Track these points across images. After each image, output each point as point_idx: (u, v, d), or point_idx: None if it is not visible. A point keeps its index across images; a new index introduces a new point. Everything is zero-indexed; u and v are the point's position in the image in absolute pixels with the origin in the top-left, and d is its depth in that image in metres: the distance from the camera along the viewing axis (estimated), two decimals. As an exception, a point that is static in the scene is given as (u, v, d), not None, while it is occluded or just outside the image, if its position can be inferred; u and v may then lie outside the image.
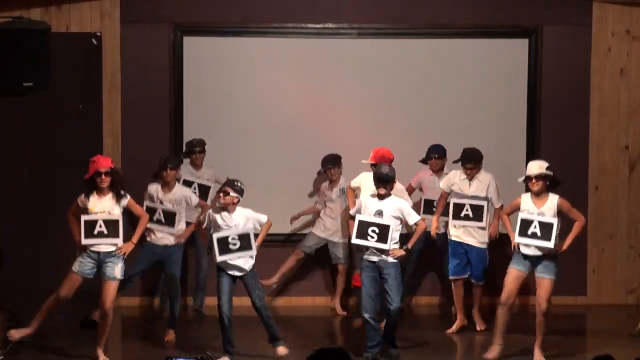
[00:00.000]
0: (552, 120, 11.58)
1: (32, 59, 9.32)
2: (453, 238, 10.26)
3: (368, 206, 9.15)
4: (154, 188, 9.93)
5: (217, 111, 11.47)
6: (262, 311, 9.16)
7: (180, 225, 9.87)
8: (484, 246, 10.22)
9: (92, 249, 8.89)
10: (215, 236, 8.99)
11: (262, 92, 11.47)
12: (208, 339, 9.81)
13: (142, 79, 11.29)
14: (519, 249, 9.03)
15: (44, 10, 11.08)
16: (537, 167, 9.03)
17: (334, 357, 4.96)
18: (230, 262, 9.02)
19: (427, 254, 10.81)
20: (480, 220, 10.08)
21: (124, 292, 10.08)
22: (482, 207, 10.07)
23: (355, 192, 10.23)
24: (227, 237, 8.97)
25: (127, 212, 9.14)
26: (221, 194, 9.07)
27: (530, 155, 11.49)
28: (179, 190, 9.98)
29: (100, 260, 8.90)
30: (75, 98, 11.09)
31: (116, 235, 8.89)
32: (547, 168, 9.02)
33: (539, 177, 8.97)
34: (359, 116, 11.52)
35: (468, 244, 10.22)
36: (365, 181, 9.91)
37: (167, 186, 9.90)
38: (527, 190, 9.07)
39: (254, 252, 9.05)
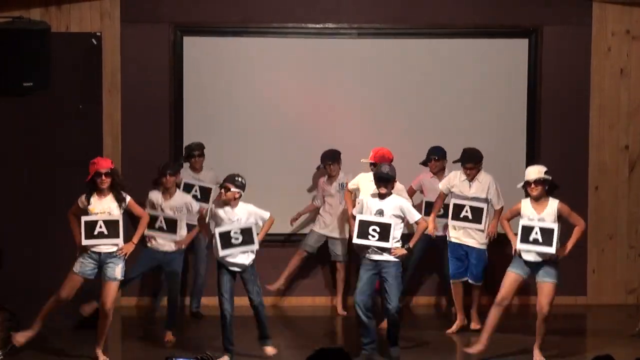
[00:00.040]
0: (552, 120, 11.57)
1: (32, 59, 9.33)
2: (453, 240, 10.26)
3: (369, 206, 9.15)
4: (155, 195, 9.94)
5: (217, 111, 11.47)
6: (259, 308, 9.16)
7: (182, 231, 9.87)
8: (483, 247, 10.22)
9: (93, 249, 8.89)
10: (217, 230, 8.99)
11: (262, 92, 11.47)
12: (208, 339, 9.81)
13: (142, 79, 11.28)
14: (520, 254, 9.03)
15: (44, 10, 11.08)
16: (535, 172, 9.04)
17: (334, 357, 4.96)
18: (231, 259, 9.01)
19: (427, 254, 10.81)
20: (479, 222, 10.07)
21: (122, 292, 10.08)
22: (482, 209, 10.06)
23: (354, 193, 10.22)
24: (229, 232, 8.98)
25: (127, 212, 9.14)
26: (222, 190, 9.09)
27: (531, 156, 11.52)
28: (179, 196, 9.99)
29: (101, 260, 8.90)
30: (75, 98, 11.09)
31: (116, 236, 8.89)
32: (546, 172, 9.03)
33: (537, 181, 8.97)
34: (359, 116, 11.51)
35: (468, 245, 10.21)
36: (363, 182, 9.90)
37: (167, 192, 9.91)
38: (527, 195, 9.07)
39: (256, 246, 9.05)
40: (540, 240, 8.88)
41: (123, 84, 11.27)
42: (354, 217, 9.27)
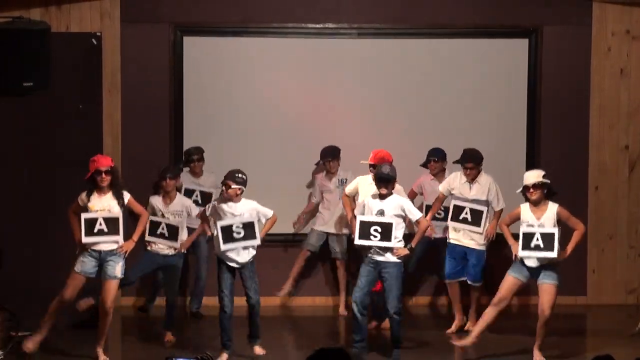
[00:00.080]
0: (552, 120, 11.57)
1: (32, 59, 9.32)
2: (452, 241, 10.24)
3: (370, 206, 9.15)
4: (156, 200, 9.94)
5: (217, 111, 11.47)
6: (256, 306, 9.16)
7: (182, 235, 9.87)
8: (482, 248, 10.20)
9: (93, 248, 8.89)
10: (219, 224, 9.00)
11: (262, 92, 11.47)
12: (208, 339, 9.81)
13: (142, 79, 11.28)
14: (520, 260, 9.04)
15: (44, 10, 11.08)
16: (534, 176, 9.05)
17: (334, 357, 4.96)
18: (232, 255, 9.00)
19: (427, 254, 10.81)
20: (478, 225, 10.04)
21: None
22: (482, 212, 10.04)
23: (354, 197, 10.17)
24: (231, 226, 8.98)
25: (127, 210, 9.13)
26: (223, 187, 9.09)
27: (531, 156, 11.52)
28: (180, 200, 10.00)
29: (102, 259, 8.90)
30: (75, 98, 11.09)
31: (116, 233, 8.88)
32: (544, 176, 9.03)
33: (536, 186, 8.98)
34: (359, 116, 11.51)
35: (467, 247, 10.19)
36: (362, 185, 9.88)
37: (167, 196, 9.92)
38: (527, 200, 9.08)
39: (257, 241, 9.05)
40: (542, 245, 8.89)
41: (123, 84, 11.27)
42: (355, 219, 9.27)
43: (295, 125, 11.49)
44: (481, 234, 10.11)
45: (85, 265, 8.90)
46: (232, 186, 9.01)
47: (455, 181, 10.20)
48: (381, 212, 9.08)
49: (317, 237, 11.20)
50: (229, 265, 9.08)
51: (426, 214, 10.42)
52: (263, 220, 9.19)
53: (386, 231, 8.99)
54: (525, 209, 9.08)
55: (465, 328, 10.32)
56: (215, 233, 9.07)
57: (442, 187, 10.28)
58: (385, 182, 9.08)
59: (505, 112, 11.62)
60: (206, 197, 10.77)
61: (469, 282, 10.32)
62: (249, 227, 9.01)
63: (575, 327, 10.86)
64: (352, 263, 10.93)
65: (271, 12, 11.41)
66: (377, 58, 11.53)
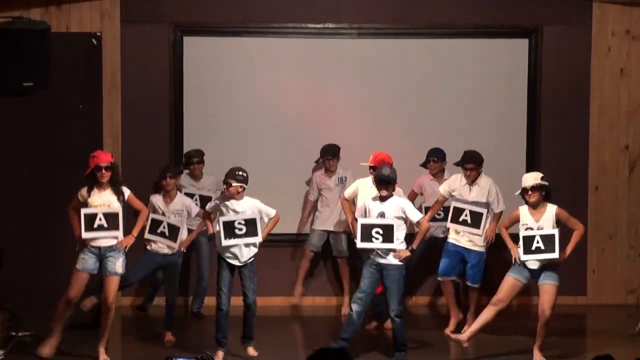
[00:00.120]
0: (552, 120, 11.57)
1: (32, 59, 9.32)
2: (451, 240, 10.22)
3: (370, 209, 9.15)
4: (156, 199, 9.95)
5: (217, 111, 11.47)
6: (252, 307, 9.15)
7: (182, 235, 9.88)
8: (482, 250, 10.18)
9: (93, 244, 8.88)
10: (221, 219, 9.00)
11: (262, 92, 11.47)
12: (208, 339, 9.79)
13: (142, 79, 11.28)
14: (520, 262, 9.04)
15: (44, 10, 11.08)
16: (532, 178, 9.06)
17: (334, 357, 4.96)
18: (234, 250, 8.99)
19: (428, 254, 10.81)
20: (478, 227, 10.02)
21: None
22: (482, 214, 10.01)
23: (353, 201, 10.17)
24: (233, 222, 8.99)
25: (128, 207, 9.13)
26: (224, 186, 9.10)
27: (531, 156, 11.52)
28: (180, 199, 10.00)
29: (102, 255, 8.89)
30: (75, 98, 11.09)
31: (116, 228, 8.88)
32: (542, 178, 9.04)
33: (534, 188, 8.99)
34: (359, 116, 11.51)
35: (466, 248, 10.17)
36: (362, 188, 9.87)
37: (168, 195, 9.93)
38: (526, 202, 9.08)
39: (259, 238, 9.05)
40: (543, 247, 8.91)
41: (123, 84, 11.27)
42: (355, 222, 9.27)
43: (295, 125, 11.49)
44: (481, 235, 10.09)
45: (86, 262, 8.89)
46: (233, 184, 9.02)
47: (455, 183, 10.18)
48: (382, 215, 9.09)
49: (318, 236, 11.20)
50: (230, 263, 9.08)
51: (426, 215, 10.41)
52: (266, 220, 9.19)
53: (388, 233, 8.99)
54: (524, 211, 9.09)
55: (463, 331, 10.31)
56: (217, 229, 9.07)
57: (443, 190, 10.25)
58: (385, 184, 9.07)
59: (505, 112, 11.62)
60: (205, 201, 10.74)
61: (467, 283, 10.32)
62: (251, 224, 9.02)
63: (575, 327, 10.87)
64: (354, 260, 10.89)
65: (271, 12, 11.41)
66: (377, 58, 11.53)
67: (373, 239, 9.01)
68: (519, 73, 11.59)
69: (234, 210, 9.05)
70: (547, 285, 8.98)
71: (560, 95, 11.56)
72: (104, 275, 8.93)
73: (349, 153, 11.06)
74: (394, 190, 9.21)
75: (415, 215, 9.17)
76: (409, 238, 9.29)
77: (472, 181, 10.10)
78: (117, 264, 8.90)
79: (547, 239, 8.90)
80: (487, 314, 9.15)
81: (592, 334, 10.81)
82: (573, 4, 11.54)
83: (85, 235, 8.84)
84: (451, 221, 10.12)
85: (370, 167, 9.92)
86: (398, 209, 9.10)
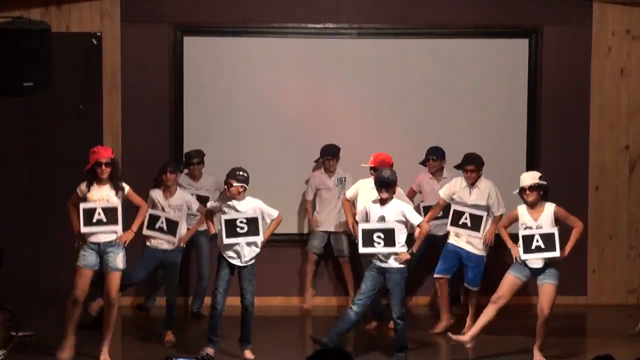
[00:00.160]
0: (552, 120, 11.57)
1: (32, 59, 9.32)
2: (451, 241, 10.21)
3: (371, 213, 9.14)
4: (156, 194, 9.94)
5: (217, 111, 11.47)
6: (249, 308, 9.14)
7: (182, 230, 9.87)
8: (481, 253, 10.15)
9: (92, 240, 8.86)
10: (223, 217, 9.00)
11: (262, 92, 11.47)
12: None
13: (142, 79, 11.29)
14: (521, 261, 9.04)
15: (44, 10, 11.08)
16: (530, 178, 9.06)
17: (334, 357, 4.96)
18: (237, 248, 8.98)
19: (428, 254, 10.81)
20: (478, 230, 9.99)
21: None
22: (481, 217, 9.99)
23: (353, 202, 10.18)
24: (235, 220, 8.98)
25: (127, 203, 9.13)
26: (225, 187, 9.10)
27: (531, 156, 11.52)
28: (180, 194, 10.00)
29: (101, 250, 8.88)
30: (75, 98, 11.09)
31: (115, 223, 8.85)
32: (540, 178, 9.04)
33: (532, 187, 8.99)
34: (359, 116, 11.51)
35: (465, 250, 10.15)
36: (363, 189, 9.88)
37: (168, 190, 9.92)
38: (524, 201, 9.08)
39: (260, 237, 9.04)
40: (543, 246, 8.91)
41: (123, 84, 11.27)
42: (357, 224, 9.27)
43: (295, 125, 11.49)
44: (480, 238, 10.07)
45: (87, 258, 8.88)
46: (234, 184, 9.03)
47: (455, 186, 10.15)
48: (382, 219, 9.08)
49: (319, 238, 11.21)
50: (230, 263, 9.08)
51: (424, 215, 10.39)
52: (268, 221, 9.17)
53: (389, 237, 8.99)
54: (522, 211, 9.09)
55: (464, 331, 10.30)
56: (219, 228, 9.07)
57: (443, 194, 10.20)
58: (386, 186, 9.06)
59: (505, 112, 11.62)
60: (203, 201, 10.76)
61: (466, 285, 10.30)
62: (252, 223, 9.01)
63: (575, 327, 10.87)
64: (356, 260, 10.88)
65: (271, 12, 11.41)
66: (377, 58, 11.53)
67: (375, 244, 9.00)
68: (519, 73, 11.59)
69: (236, 211, 9.06)
70: (547, 284, 8.99)
71: (561, 95, 11.56)
72: (105, 271, 8.92)
73: (349, 153, 11.06)
74: (394, 192, 9.19)
75: (415, 219, 9.16)
76: (408, 239, 9.28)
77: (472, 183, 10.07)
78: (118, 259, 8.89)
79: (547, 238, 8.90)
80: (488, 313, 9.15)
81: (592, 334, 10.81)
82: (573, 4, 11.54)
83: (84, 229, 8.82)
84: (451, 224, 10.10)
85: (371, 168, 9.92)
86: (398, 212, 9.09)
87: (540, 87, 11.55)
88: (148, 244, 9.87)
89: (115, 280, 8.91)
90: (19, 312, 9.44)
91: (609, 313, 11.34)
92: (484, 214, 9.98)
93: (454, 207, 10.08)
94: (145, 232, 9.69)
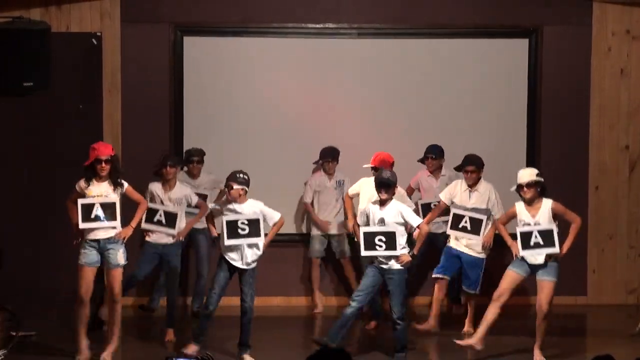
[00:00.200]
0: (552, 120, 11.57)
1: (32, 59, 9.32)
2: (451, 245, 10.19)
3: (371, 215, 9.14)
4: (155, 187, 9.93)
5: (217, 111, 11.47)
6: (248, 312, 9.11)
7: (181, 223, 9.87)
8: (481, 256, 10.14)
9: (91, 237, 8.84)
10: (224, 219, 8.99)
11: (262, 92, 11.47)
12: (208, 339, 9.79)
13: (142, 79, 11.29)
14: (520, 257, 9.04)
15: (44, 10, 11.08)
16: (527, 174, 9.05)
17: (334, 357, 4.96)
18: (235, 251, 8.98)
19: (428, 254, 10.81)
20: (478, 233, 9.97)
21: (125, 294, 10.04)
22: (481, 221, 9.97)
23: (352, 199, 10.19)
24: (236, 221, 8.98)
25: (127, 199, 9.12)
26: (226, 189, 9.10)
27: (531, 155, 11.52)
28: (179, 188, 9.98)
29: (102, 248, 8.86)
30: (75, 98, 11.09)
31: (113, 218, 8.84)
32: (538, 175, 9.04)
33: (530, 184, 8.98)
34: (359, 116, 11.51)
35: (464, 253, 10.14)
36: (365, 187, 9.89)
37: (167, 184, 9.91)
38: (522, 198, 9.08)
39: (262, 239, 9.03)
40: (542, 242, 8.91)
41: (123, 84, 11.27)
42: (357, 226, 9.27)
43: (295, 125, 11.49)
44: (480, 242, 10.06)
45: (88, 256, 8.86)
46: (235, 187, 9.01)
47: (455, 189, 10.14)
48: (382, 221, 9.08)
49: (319, 242, 11.23)
50: (230, 265, 9.06)
51: (423, 213, 10.40)
52: (270, 223, 9.15)
53: (390, 240, 8.99)
54: (520, 208, 9.09)
55: (465, 331, 10.30)
56: (222, 229, 9.06)
57: (444, 197, 10.17)
58: (385, 187, 9.05)
59: (505, 112, 11.62)
60: (202, 199, 10.78)
61: (464, 288, 10.29)
62: (253, 224, 9.00)
63: (575, 327, 10.87)
64: (357, 260, 10.89)
65: (271, 12, 11.41)
66: (377, 58, 11.53)
67: (376, 247, 9.01)
68: (519, 73, 11.59)
69: (237, 213, 9.03)
70: (545, 281, 8.99)
71: (560, 95, 11.56)
72: (106, 268, 8.92)
73: (349, 153, 11.06)
74: (393, 193, 9.18)
75: (414, 220, 9.15)
76: (408, 240, 9.27)
77: (472, 184, 10.04)
78: (119, 256, 8.88)
79: (546, 234, 8.90)
80: (491, 312, 9.13)
81: (592, 334, 10.81)
82: (573, 4, 11.54)
83: (82, 225, 8.80)
84: (451, 228, 10.08)
85: (372, 168, 9.93)
86: (397, 213, 9.08)
87: (540, 87, 11.56)
88: (148, 239, 9.87)
89: (117, 276, 8.90)
90: (19, 312, 9.44)
91: (609, 313, 11.34)
92: (483, 217, 9.96)
93: (453, 210, 10.07)
94: (144, 225, 9.66)
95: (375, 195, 9.24)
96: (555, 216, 9.02)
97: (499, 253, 10.30)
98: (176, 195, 9.89)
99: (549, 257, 8.97)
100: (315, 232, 11.24)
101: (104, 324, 9.53)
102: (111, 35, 11.20)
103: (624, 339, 10.03)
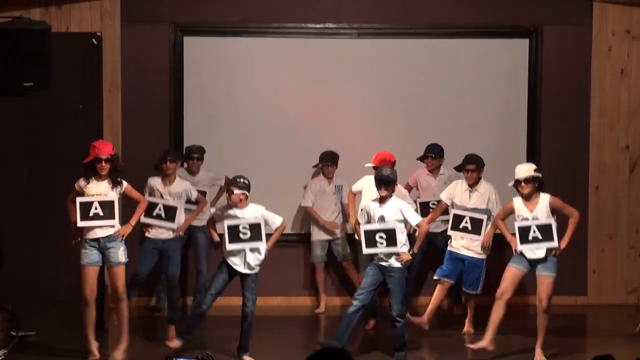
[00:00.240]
0: (552, 120, 11.57)
1: (32, 59, 9.31)
2: (452, 249, 10.18)
3: (371, 212, 9.14)
4: (155, 181, 9.95)
5: (217, 111, 11.47)
6: (249, 317, 9.08)
7: (180, 218, 9.87)
8: (481, 257, 10.12)
9: (91, 237, 8.84)
10: (226, 223, 8.98)
11: (262, 92, 11.47)
12: (208, 339, 9.81)
13: (142, 79, 11.29)
14: (520, 252, 9.04)
15: (44, 10, 11.08)
16: (525, 170, 9.05)
17: (334, 357, 4.95)
18: (238, 255, 8.97)
19: (428, 254, 10.82)
20: (479, 233, 9.97)
21: (132, 296, 10.02)
22: (482, 220, 9.97)
23: (356, 196, 10.21)
24: (237, 226, 8.97)
25: (127, 199, 9.12)
26: (227, 194, 9.09)
27: (531, 156, 11.51)
28: (179, 183, 9.99)
29: (102, 247, 8.87)
30: (75, 98, 11.07)
31: (112, 217, 8.84)
32: (536, 170, 9.04)
33: (527, 179, 8.98)
34: (359, 116, 11.51)
35: (465, 255, 10.13)
36: (367, 184, 9.91)
37: (167, 179, 9.91)
38: (519, 193, 9.08)
39: (263, 243, 9.02)
40: (540, 237, 8.91)
41: (123, 84, 11.27)
42: (359, 223, 9.28)
43: (295, 125, 11.49)
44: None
45: (89, 256, 8.86)
46: (235, 191, 8.99)
47: (455, 189, 10.14)
48: (382, 218, 9.08)
49: (320, 247, 11.25)
50: (230, 269, 9.04)
51: (421, 212, 10.39)
52: (273, 227, 9.13)
53: (391, 237, 9.00)
54: (518, 203, 9.09)
55: (464, 331, 10.29)
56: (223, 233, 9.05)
57: (445, 197, 10.17)
58: (385, 184, 9.07)
59: (505, 112, 11.62)
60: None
61: (464, 289, 10.28)
62: (255, 229, 8.98)
63: (575, 327, 10.86)
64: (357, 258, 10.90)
65: (271, 12, 11.41)
66: (377, 58, 11.53)
67: (378, 244, 9.02)
68: (519, 73, 11.60)
69: (239, 219, 9.01)
70: (544, 276, 8.99)
71: (561, 95, 11.56)
72: (108, 267, 8.92)
73: (349, 153, 11.06)
74: (393, 191, 9.19)
75: (413, 218, 9.15)
76: (408, 239, 9.27)
77: (473, 183, 10.04)
78: (120, 254, 8.88)
79: (544, 229, 8.91)
80: (497, 311, 9.13)
81: (592, 334, 10.81)
82: (573, 4, 11.54)
83: (80, 223, 8.79)
84: (452, 228, 10.08)
85: (374, 168, 9.94)
86: (397, 211, 9.09)
87: (540, 87, 11.55)
88: (147, 235, 9.87)
89: (120, 274, 8.91)
90: (19, 312, 9.43)
91: (609, 313, 11.34)
92: (484, 217, 9.96)
93: (453, 211, 10.07)
94: (144, 220, 9.65)
95: (377, 194, 9.26)
96: (554, 211, 9.03)
97: (499, 253, 10.30)
98: (176, 189, 9.89)
99: (549, 251, 8.97)
100: (315, 237, 11.24)
101: (104, 324, 9.53)
102: (111, 35, 11.20)
103: (624, 339, 10.03)
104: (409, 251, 9.09)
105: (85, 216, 8.80)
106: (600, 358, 5.36)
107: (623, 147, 11.64)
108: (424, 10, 11.48)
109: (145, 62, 11.31)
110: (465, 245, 10.07)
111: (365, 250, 9.09)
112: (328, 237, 11.21)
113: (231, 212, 9.04)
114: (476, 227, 9.97)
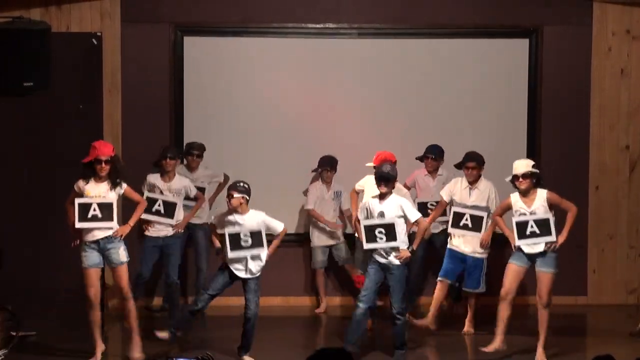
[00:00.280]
0: (552, 120, 11.58)
1: (32, 59, 9.30)
2: (452, 247, 10.18)
3: (371, 209, 9.15)
4: (154, 177, 9.96)
5: (217, 111, 11.47)
6: (252, 320, 9.07)
7: (179, 215, 9.87)
8: (481, 256, 10.13)
9: (90, 239, 8.83)
10: (227, 231, 8.97)
11: (262, 92, 11.47)
12: (208, 339, 9.81)
13: (142, 79, 11.29)
14: (519, 249, 9.04)
15: (44, 10, 11.08)
16: (523, 165, 9.07)
17: (334, 357, 4.95)
18: (240, 262, 8.97)
19: (428, 254, 10.82)
20: (479, 231, 9.97)
21: (138, 295, 10.01)
22: (482, 218, 9.97)
23: (358, 194, 10.23)
24: (238, 234, 8.96)
25: (126, 200, 9.12)
26: (227, 199, 9.07)
27: (531, 156, 11.49)
28: (178, 180, 10.01)
29: (102, 248, 8.86)
30: (75, 98, 11.08)
31: (110, 219, 8.83)
32: (534, 166, 9.05)
33: (525, 175, 9.00)
34: (359, 116, 11.52)
35: (465, 254, 10.14)
36: (369, 183, 9.91)
37: (167, 175, 9.92)
38: (517, 189, 9.09)
39: (265, 250, 9.02)
40: (538, 232, 8.92)
41: (123, 84, 11.27)
42: (359, 221, 9.29)
43: (295, 125, 11.49)
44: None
45: (90, 258, 8.86)
46: (235, 195, 8.96)
47: (455, 187, 10.14)
48: (381, 214, 9.09)
49: (321, 252, 11.26)
50: (231, 273, 9.03)
51: (419, 211, 10.38)
52: (274, 234, 9.13)
53: (390, 231, 9.00)
54: (515, 198, 9.10)
55: (464, 331, 10.29)
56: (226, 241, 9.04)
57: (445, 194, 10.18)
58: (385, 180, 9.08)
59: (505, 112, 11.63)
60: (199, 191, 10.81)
61: (465, 289, 10.28)
62: (256, 236, 8.96)
63: (575, 327, 10.86)
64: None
65: (271, 12, 11.41)
66: (377, 58, 11.53)
67: (377, 239, 9.02)
68: (519, 73, 11.60)
69: (239, 225, 8.99)
70: (544, 272, 9.00)
71: (561, 95, 11.57)
72: (110, 267, 8.92)
73: (349, 153, 11.06)
74: (393, 187, 9.20)
75: (413, 215, 9.16)
76: (408, 237, 9.28)
77: (473, 181, 10.06)
78: (120, 253, 8.87)
79: (542, 223, 8.92)
80: (503, 311, 9.14)
81: (592, 333, 10.81)
82: (573, 4, 11.55)
83: (78, 225, 8.78)
84: (452, 226, 10.08)
85: (375, 167, 9.94)
86: (397, 207, 9.11)
87: (540, 87, 11.56)
88: (147, 232, 9.87)
89: (123, 273, 8.90)
90: (19, 312, 9.44)
91: (609, 313, 11.34)
92: (484, 214, 9.97)
93: (453, 209, 10.07)
94: (143, 216, 9.64)
95: (373, 194, 9.27)
96: (551, 206, 9.04)
97: (499, 252, 10.30)
98: (176, 186, 9.92)
99: (547, 246, 8.96)
100: (316, 243, 11.25)
101: (103, 327, 9.54)
102: (111, 35, 11.20)
103: (624, 339, 10.03)
104: (407, 248, 9.09)
105: (83, 217, 8.80)
106: (600, 358, 5.36)
107: (623, 147, 11.65)
108: (424, 10, 11.48)
109: (145, 62, 11.31)
110: (465, 243, 10.06)
111: (366, 245, 9.10)
112: (329, 243, 11.22)
113: (231, 217, 9.00)
114: (476, 224, 9.97)
